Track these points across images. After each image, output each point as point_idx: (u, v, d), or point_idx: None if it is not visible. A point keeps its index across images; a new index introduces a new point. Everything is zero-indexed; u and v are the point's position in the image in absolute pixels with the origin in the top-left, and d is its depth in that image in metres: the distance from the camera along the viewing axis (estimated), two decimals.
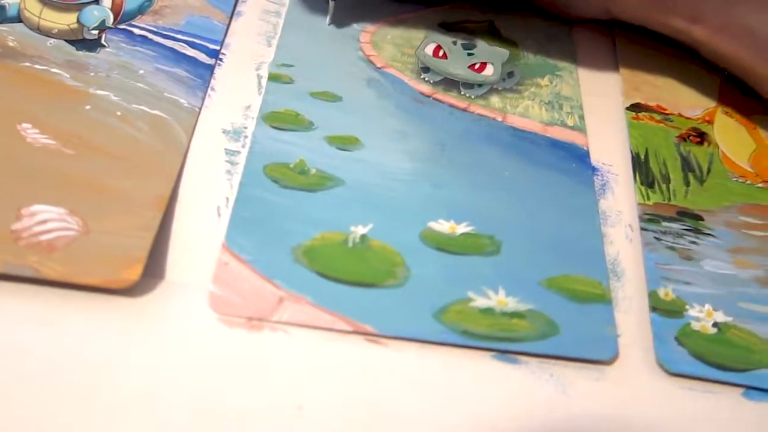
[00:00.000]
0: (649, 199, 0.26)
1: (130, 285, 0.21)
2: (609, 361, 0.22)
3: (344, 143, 0.25)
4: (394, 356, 0.21)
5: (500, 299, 0.22)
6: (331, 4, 0.29)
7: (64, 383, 0.19)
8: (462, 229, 0.23)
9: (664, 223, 0.25)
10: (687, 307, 0.23)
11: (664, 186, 0.27)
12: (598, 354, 0.22)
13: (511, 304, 0.22)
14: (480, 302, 0.22)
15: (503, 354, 0.21)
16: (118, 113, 0.25)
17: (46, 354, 0.19)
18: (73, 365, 0.19)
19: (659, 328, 0.22)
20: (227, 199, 0.23)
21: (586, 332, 0.22)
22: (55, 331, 0.20)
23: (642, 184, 0.26)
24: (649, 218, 0.25)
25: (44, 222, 0.21)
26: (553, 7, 0.31)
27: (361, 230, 0.23)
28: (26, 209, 0.22)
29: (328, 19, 0.29)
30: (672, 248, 0.25)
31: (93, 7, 0.27)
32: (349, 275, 0.22)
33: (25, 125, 0.24)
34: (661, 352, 0.22)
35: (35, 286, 0.21)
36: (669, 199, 0.26)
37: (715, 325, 0.23)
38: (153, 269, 0.21)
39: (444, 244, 0.23)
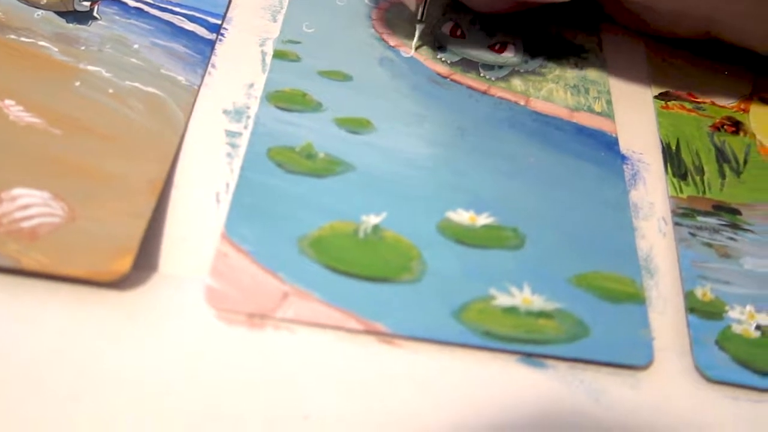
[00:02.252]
0: (682, 192, 0.24)
1: (119, 277, 0.19)
2: (644, 367, 0.20)
3: (355, 126, 0.23)
4: (408, 358, 0.19)
5: (525, 297, 0.20)
6: (419, 27, 0.26)
7: (46, 384, 0.17)
8: (483, 220, 0.22)
9: (700, 218, 0.23)
10: (727, 308, 0.21)
11: (697, 178, 0.25)
12: (633, 359, 0.20)
13: (537, 302, 0.20)
14: (503, 300, 0.20)
15: (529, 357, 0.19)
16: (110, 90, 0.23)
17: (26, 352, 0.17)
18: (57, 364, 0.17)
19: (697, 331, 0.21)
20: (227, 184, 0.21)
21: (619, 335, 0.20)
22: (37, 328, 0.18)
23: (674, 176, 0.24)
24: (683, 212, 0.23)
25: (26, 207, 0.20)
26: (643, 25, 0.28)
27: (373, 220, 0.21)
28: (6, 193, 0.20)
29: (414, 45, 0.26)
30: (709, 245, 0.23)
31: None
32: (359, 269, 0.20)
33: (8, 102, 0.22)
34: (700, 357, 0.20)
35: (15, 278, 0.19)
36: (704, 192, 0.24)
37: (758, 328, 0.21)
38: (145, 260, 0.19)
39: (463, 236, 0.21)
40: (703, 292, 0.21)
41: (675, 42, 0.29)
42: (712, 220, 0.23)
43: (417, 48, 0.26)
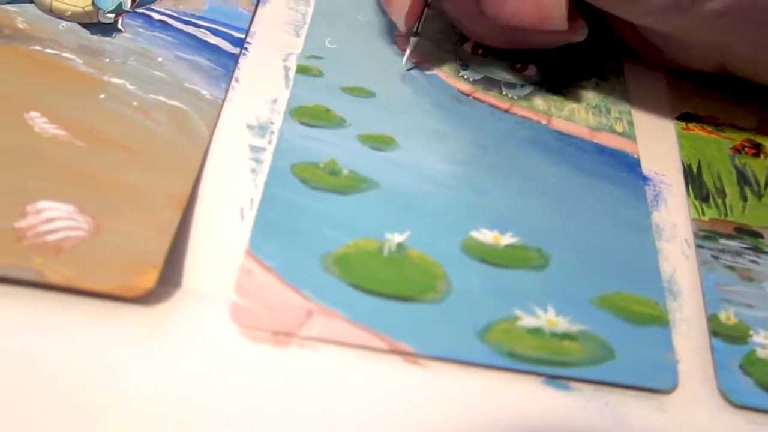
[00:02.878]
0: (704, 214, 0.24)
1: (143, 293, 0.18)
2: (669, 391, 0.20)
3: (378, 143, 0.23)
4: (433, 378, 0.19)
5: (549, 318, 0.20)
6: (413, 40, 0.25)
7: (68, 399, 0.17)
8: (507, 239, 0.21)
9: (722, 241, 0.23)
10: (751, 332, 0.21)
11: (719, 200, 0.25)
12: (658, 383, 0.19)
13: (562, 324, 0.20)
14: (528, 321, 0.20)
15: (554, 379, 0.19)
16: (135, 103, 0.23)
17: (49, 367, 0.17)
18: (79, 380, 0.17)
19: (722, 356, 0.20)
20: (251, 200, 0.21)
21: (643, 357, 0.20)
22: (60, 342, 0.18)
23: (696, 198, 0.24)
24: (705, 235, 0.23)
25: (51, 220, 0.19)
26: (659, 57, 0.28)
27: (397, 238, 0.21)
28: (32, 206, 0.20)
29: (405, 58, 0.26)
30: (731, 268, 0.23)
31: None
32: (384, 287, 0.20)
33: (33, 114, 0.22)
34: (724, 381, 0.20)
35: (39, 291, 0.19)
36: (725, 215, 0.24)
37: None
38: (169, 276, 0.19)
39: (487, 256, 0.21)
40: (727, 315, 0.21)
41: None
42: (734, 243, 0.23)
43: (407, 62, 0.26)
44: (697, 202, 0.24)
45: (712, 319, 0.21)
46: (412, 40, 0.25)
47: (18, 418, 0.16)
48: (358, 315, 0.19)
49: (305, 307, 0.19)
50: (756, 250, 0.23)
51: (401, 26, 0.24)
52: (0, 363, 0.17)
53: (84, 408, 0.17)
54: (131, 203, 0.20)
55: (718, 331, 0.21)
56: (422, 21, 0.25)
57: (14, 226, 0.19)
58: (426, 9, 0.24)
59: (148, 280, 0.19)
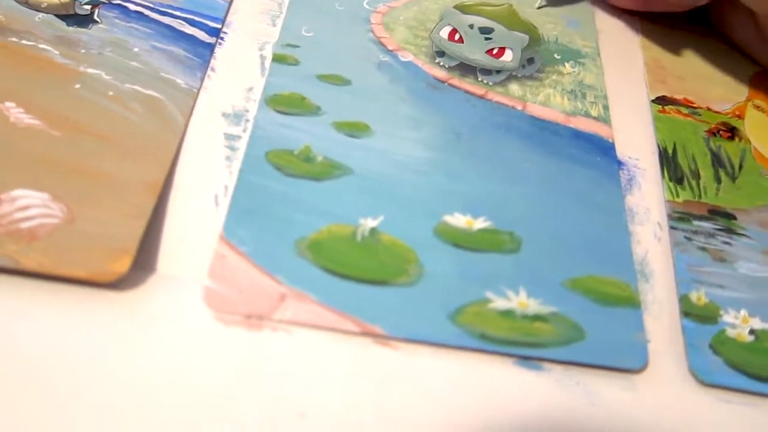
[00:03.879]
0: (678, 196, 0.24)
1: (117, 278, 0.19)
2: (639, 370, 0.20)
3: (353, 130, 0.23)
4: (405, 360, 0.19)
5: (521, 301, 0.20)
6: None
7: (45, 383, 0.17)
8: (479, 224, 0.22)
9: (695, 222, 0.24)
10: (721, 312, 0.21)
11: (693, 182, 0.25)
12: (628, 362, 0.20)
13: (533, 306, 0.20)
14: (499, 304, 0.20)
15: (526, 360, 0.19)
16: (110, 93, 0.23)
17: (27, 352, 0.18)
18: (56, 364, 0.17)
19: (692, 335, 0.21)
20: (226, 187, 0.22)
21: (614, 338, 0.20)
22: (36, 327, 0.18)
23: (671, 180, 0.25)
24: (679, 216, 0.24)
25: (26, 208, 0.20)
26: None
27: (370, 223, 0.21)
28: (6, 194, 0.20)
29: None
30: (704, 249, 0.23)
31: None
32: (357, 271, 0.20)
33: (8, 104, 0.22)
34: (694, 361, 0.20)
35: (14, 278, 0.19)
36: (699, 197, 0.24)
37: (752, 332, 0.21)
38: (143, 261, 0.20)
39: (460, 240, 0.21)
40: (698, 296, 0.22)
41: (673, 47, 0.29)
42: (707, 225, 0.24)
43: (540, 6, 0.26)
44: (672, 184, 0.24)
45: (683, 300, 0.21)
46: None
47: None
48: (331, 298, 0.19)
49: (278, 291, 0.19)
50: (729, 231, 0.24)
51: None
52: None
53: (61, 391, 0.17)
54: (106, 191, 0.20)
55: (688, 311, 0.21)
56: None
57: None
58: None
59: (122, 265, 0.19)
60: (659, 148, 0.25)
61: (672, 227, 0.23)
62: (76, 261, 0.19)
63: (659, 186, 0.24)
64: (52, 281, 0.19)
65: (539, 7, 0.25)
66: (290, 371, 0.18)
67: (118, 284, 0.19)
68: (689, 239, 0.23)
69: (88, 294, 0.19)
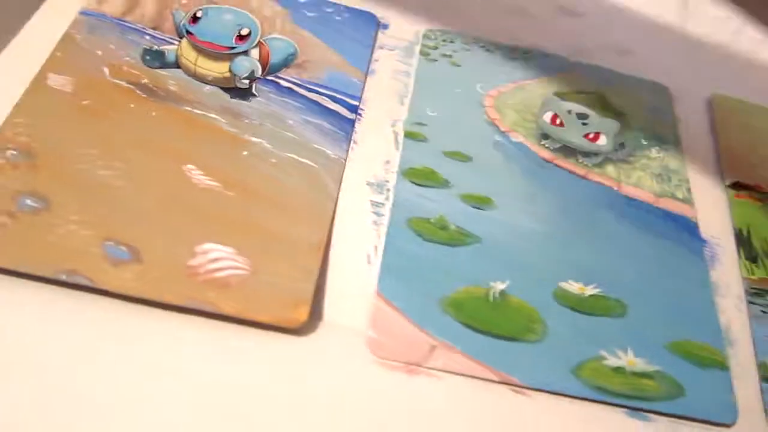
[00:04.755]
0: (753, 273, 0.28)
1: (299, 324, 0.22)
2: (730, 424, 0.23)
3: (478, 202, 0.27)
4: (536, 407, 0.22)
5: (630, 359, 0.24)
6: None
7: (240, 412, 0.21)
8: (591, 290, 0.25)
9: None
10: None
11: (767, 262, 0.28)
12: (721, 417, 0.23)
13: (640, 364, 0.24)
14: (612, 361, 0.24)
15: (635, 411, 0.23)
16: (273, 160, 0.27)
17: (221, 384, 0.21)
18: (248, 397, 0.21)
19: None
20: (375, 247, 0.25)
21: (708, 395, 0.24)
22: (230, 365, 0.22)
23: (746, 259, 0.28)
24: (755, 292, 0.27)
25: (216, 260, 0.23)
26: None
27: (500, 286, 0.25)
28: (199, 247, 0.23)
29: None
30: None
31: (243, 57, 0.29)
32: (493, 327, 0.23)
33: (189, 166, 0.26)
34: None
35: (210, 320, 0.22)
36: None
37: None
38: (312, 310, 0.23)
39: (575, 304, 0.25)
40: None
41: (745, 135, 0.33)
42: None
43: None
44: (747, 263, 0.28)
45: (762, 366, 0.25)
46: None
47: (199, 425, 0.20)
48: (473, 350, 0.23)
49: (429, 342, 0.23)
50: None
51: None
52: (190, 383, 0.21)
53: (247, 417, 0.21)
54: (279, 247, 0.24)
55: (767, 376, 0.25)
56: None
57: (187, 264, 0.23)
58: None
59: (302, 313, 0.22)
60: (735, 230, 0.29)
61: (749, 302, 0.27)
62: (264, 308, 0.22)
63: (736, 263, 0.28)
64: (238, 323, 0.22)
65: None
66: (445, 412, 0.22)
67: (297, 330, 0.22)
68: (765, 312, 0.27)
69: (268, 337, 0.22)
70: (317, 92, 0.29)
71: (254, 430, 0.20)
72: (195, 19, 0.29)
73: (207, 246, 0.24)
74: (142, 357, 0.21)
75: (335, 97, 0.29)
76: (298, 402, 0.21)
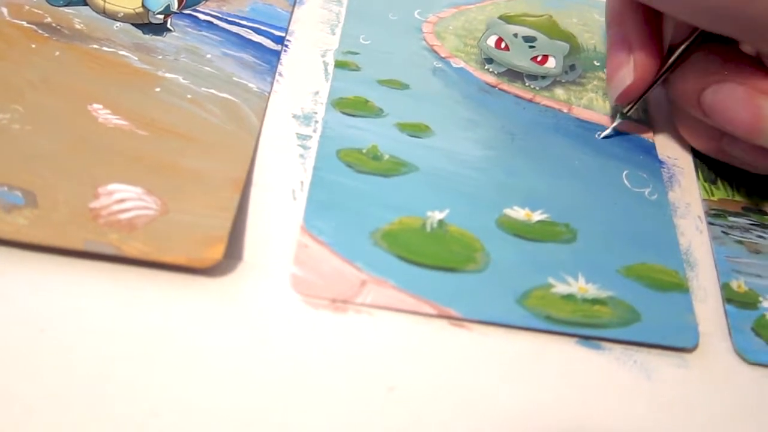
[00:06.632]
0: (713, 195, 0.26)
1: (213, 264, 0.20)
2: (690, 349, 0.22)
3: (415, 130, 0.25)
4: (478, 340, 0.21)
5: (581, 286, 0.22)
6: (618, 117, 0.27)
7: (151, 359, 0.19)
8: (538, 216, 0.23)
9: (731, 218, 0.25)
10: (760, 299, 0.23)
11: (726, 183, 0.27)
12: (681, 342, 0.21)
13: (592, 290, 0.22)
14: (561, 288, 0.22)
15: (587, 340, 0.21)
16: (188, 96, 0.24)
17: (133, 332, 0.19)
18: (160, 343, 0.19)
19: (735, 319, 0.22)
20: (302, 182, 0.23)
21: (667, 320, 0.22)
22: (139, 310, 0.20)
23: (705, 180, 0.26)
24: (715, 213, 0.25)
25: (122, 201, 0.21)
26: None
27: (438, 215, 0.23)
28: (103, 188, 0.21)
29: (605, 133, 0.27)
30: (740, 242, 0.25)
31: None
32: (429, 259, 0.22)
33: (96, 106, 0.24)
34: (739, 342, 0.22)
35: (114, 265, 0.20)
36: (733, 196, 0.26)
37: None
38: (232, 250, 0.21)
39: (521, 231, 0.23)
40: (738, 284, 0.23)
41: None
42: (742, 220, 0.25)
43: (605, 137, 0.27)
44: (706, 185, 0.26)
45: (725, 287, 0.23)
46: (618, 117, 0.27)
47: (109, 377, 0.18)
48: (408, 284, 0.21)
49: (358, 277, 0.21)
50: (762, 226, 0.25)
51: (612, 99, 0.26)
52: (88, 329, 0.19)
53: (165, 366, 0.19)
54: (193, 185, 0.22)
55: (731, 297, 0.23)
56: (634, 108, 0.26)
57: (89, 206, 0.21)
58: (641, 98, 0.26)
59: (216, 252, 0.20)
60: (693, 150, 0.27)
61: (709, 223, 0.25)
62: (174, 249, 0.20)
63: (696, 184, 0.26)
64: (150, 267, 0.20)
65: (604, 137, 0.27)
66: (376, 350, 0.20)
67: (211, 270, 0.20)
68: (726, 233, 0.25)
69: (183, 280, 0.20)
70: (239, 25, 0.27)
71: (169, 381, 0.18)
72: None
73: (112, 187, 0.21)
74: (39, 308, 0.19)
75: (259, 29, 0.27)
76: (217, 347, 0.19)
